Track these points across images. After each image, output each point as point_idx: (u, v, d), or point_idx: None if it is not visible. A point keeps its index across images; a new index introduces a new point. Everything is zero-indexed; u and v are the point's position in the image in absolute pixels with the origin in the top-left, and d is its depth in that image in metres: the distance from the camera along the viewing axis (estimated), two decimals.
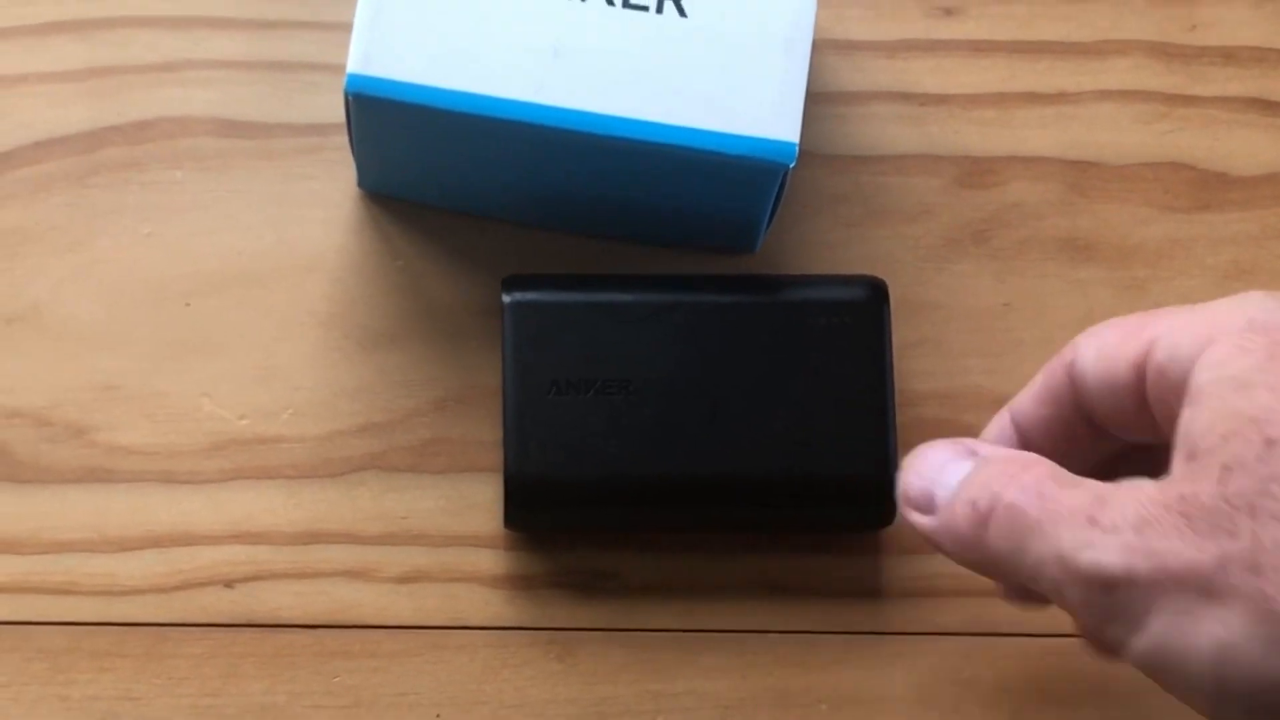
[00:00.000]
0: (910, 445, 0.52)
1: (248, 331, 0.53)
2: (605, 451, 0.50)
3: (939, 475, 0.43)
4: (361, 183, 0.53)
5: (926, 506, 0.44)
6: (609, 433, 0.50)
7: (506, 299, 0.50)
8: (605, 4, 0.49)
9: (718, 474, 0.50)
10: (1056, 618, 0.52)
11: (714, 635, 0.52)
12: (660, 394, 0.50)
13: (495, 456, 0.52)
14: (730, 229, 0.52)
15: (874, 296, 0.51)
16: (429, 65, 0.48)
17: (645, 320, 0.50)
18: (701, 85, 0.48)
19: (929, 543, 0.44)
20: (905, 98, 0.55)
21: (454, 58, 0.48)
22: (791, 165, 0.48)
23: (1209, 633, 0.38)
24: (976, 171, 0.54)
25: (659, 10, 0.49)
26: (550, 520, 0.51)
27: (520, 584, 0.52)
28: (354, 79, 0.48)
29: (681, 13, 0.49)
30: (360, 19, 0.48)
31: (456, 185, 0.52)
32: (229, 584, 0.52)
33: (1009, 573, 0.42)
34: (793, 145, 0.48)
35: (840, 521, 0.51)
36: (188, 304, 0.53)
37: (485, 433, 0.52)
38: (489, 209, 0.53)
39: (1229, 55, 0.55)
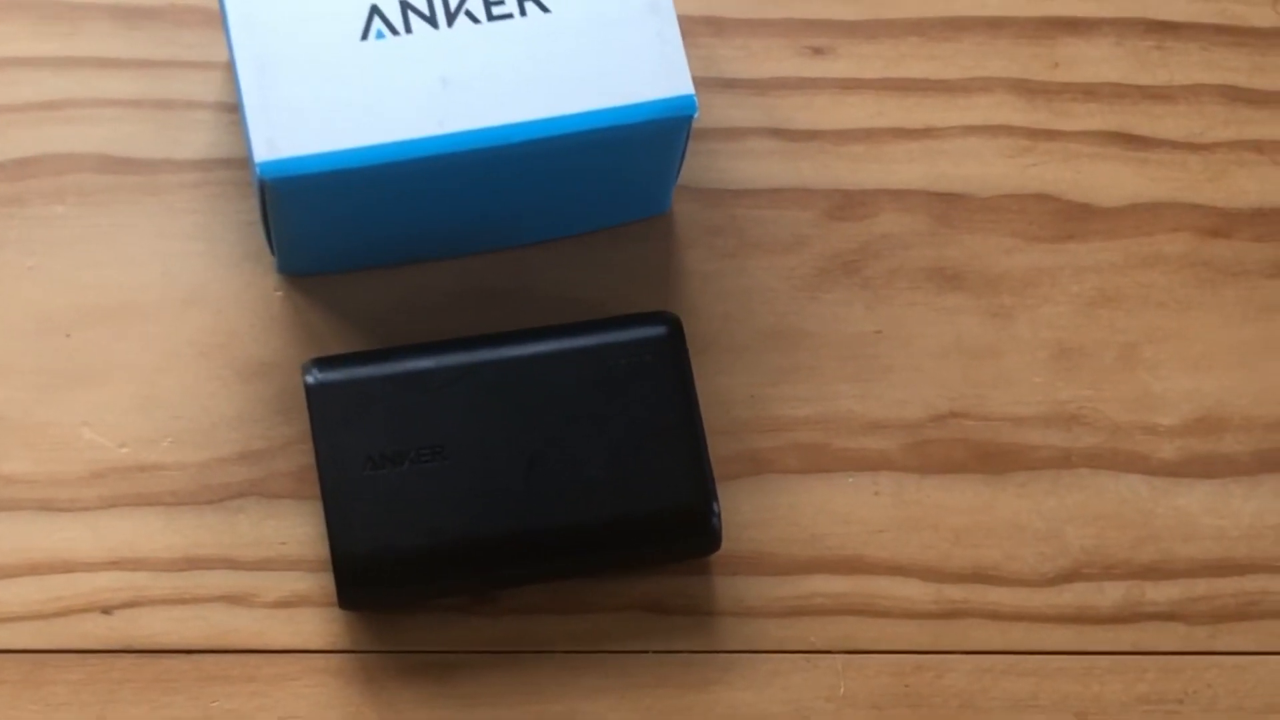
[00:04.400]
0: (787, 470, 0.54)
1: (128, 362, 0.53)
2: (429, 521, 0.50)
3: None
4: (283, 267, 0.54)
5: None
6: (430, 501, 0.50)
7: (309, 381, 0.51)
8: (472, 23, 0.50)
9: (542, 526, 0.50)
10: (929, 636, 0.53)
11: (594, 655, 0.52)
12: (475, 455, 0.51)
13: None
14: (644, 196, 0.54)
15: (670, 331, 0.52)
16: (331, 130, 0.49)
17: (449, 385, 0.51)
18: (587, 68, 0.50)
19: None
20: (777, 133, 0.56)
21: (352, 116, 0.49)
22: (694, 114, 0.50)
23: None
24: (847, 204, 0.56)
25: (523, 13, 0.50)
26: (385, 596, 0.51)
27: (399, 608, 0.52)
28: (266, 166, 0.49)
29: (544, 9, 0.50)
30: (250, 105, 0.49)
31: (382, 241, 0.53)
32: (107, 610, 0.52)
33: None
34: (690, 96, 0.50)
35: (668, 553, 0.52)
36: (68, 335, 0.54)
37: None
38: (416, 253, 0.54)
39: (1090, 91, 0.57)
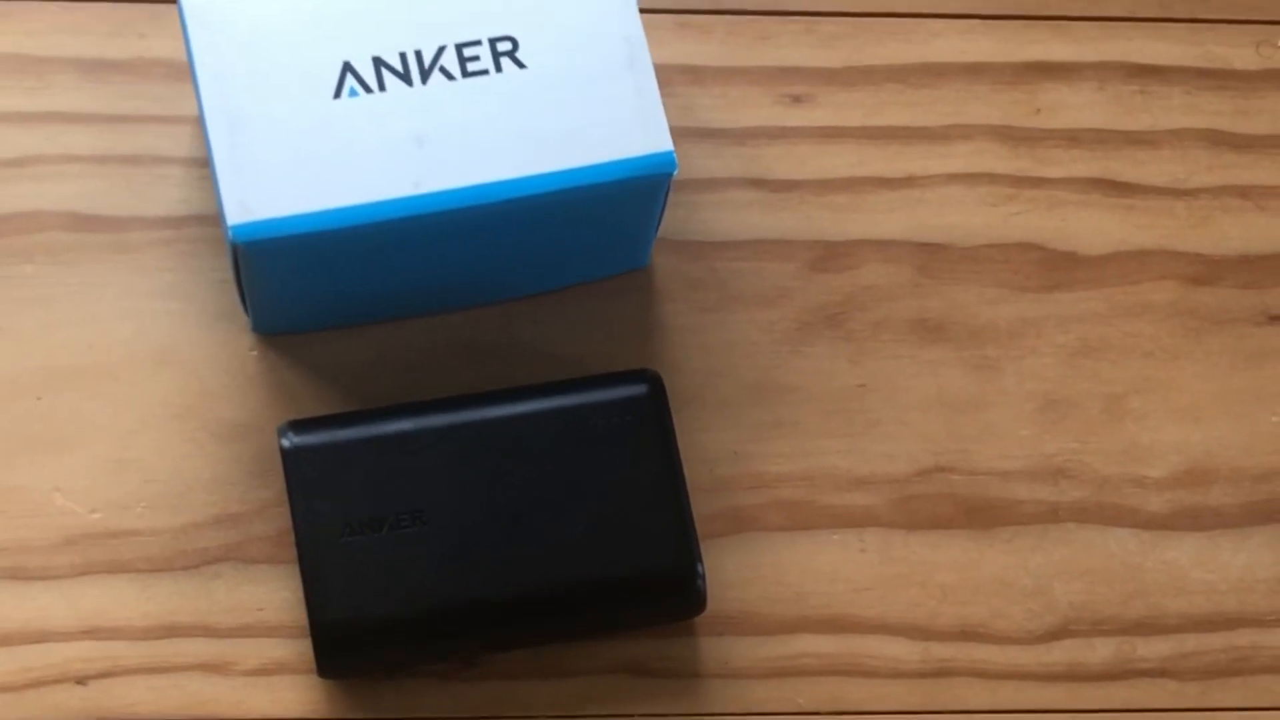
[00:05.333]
0: (771, 527, 0.53)
1: (100, 425, 0.52)
2: (408, 587, 0.49)
3: None
4: (258, 326, 0.53)
5: None
6: (409, 567, 0.49)
7: (285, 445, 0.50)
8: (446, 80, 0.49)
9: (523, 591, 0.50)
10: (917, 696, 0.52)
11: None
12: (454, 519, 0.50)
13: None
14: (623, 251, 0.53)
15: (651, 390, 0.51)
16: (305, 191, 0.48)
17: (428, 447, 0.50)
18: (565, 125, 0.49)
19: None
20: (758, 184, 0.55)
21: (325, 176, 0.48)
22: (674, 172, 0.49)
23: None
24: (829, 255, 0.55)
25: (499, 70, 0.49)
26: (365, 664, 0.50)
27: (381, 673, 0.51)
28: (238, 229, 0.48)
29: (520, 65, 0.49)
30: (221, 165, 0.48)
31: (359, 299, 0.52)
32: (81, 681, 0.51)
33: None
34: (670, 153, 0.49)
35: (652, 616, 0.51)
36: (39, 398, 0.52)
37: None
38: (394, 311, 0.53)
39: (1073, 138, 0.56)
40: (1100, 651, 0.52)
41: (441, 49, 0.49)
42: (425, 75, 0.49)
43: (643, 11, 0.51)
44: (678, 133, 0.55)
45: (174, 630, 0.51)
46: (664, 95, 0.51)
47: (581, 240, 0.52)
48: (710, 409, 0.54)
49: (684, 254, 0.55)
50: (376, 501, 0.50)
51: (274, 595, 0.52)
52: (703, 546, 0.52)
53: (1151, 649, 0.53)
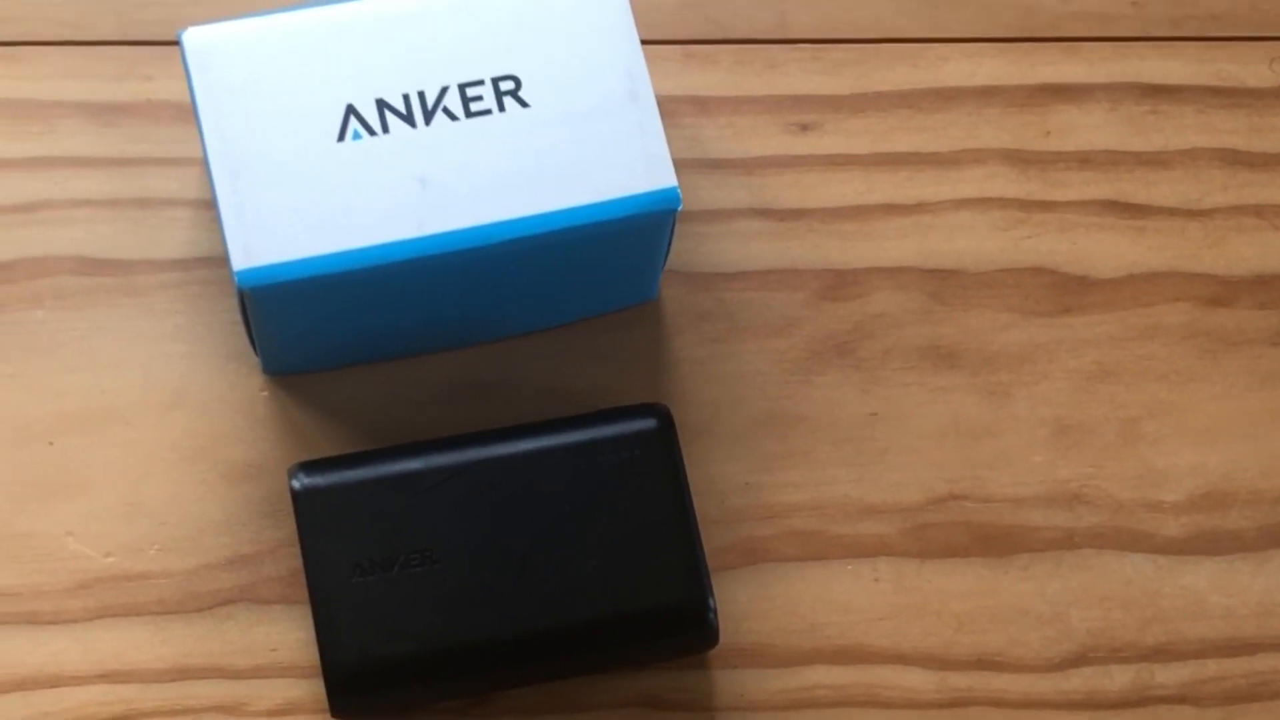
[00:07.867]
0: (784, 558, 0.53)
1: (112, 469, 0.53)
2: (419, 627, 0.49)
3: None
4: (268, 368, 0.53)
5: None
6: (420, 607, 0.49)
7: (295, 486, 0.50)
8: (450, 121, 0.49)
9: (535, 629, 0.49)
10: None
11: None
12: (465, 558, 0.50)
13: None
14: (631, 285, 0.53)
15: (660, 424, 0.51)
16: (309, 235, 0.48)
17: (438, 486, 0.50)
18: (568, 164, 0.49)
19: None
20: (765, 213, 0.55)
21: (330, 219, 0.48)
22: (679, 208, 0.49)
23: None
24: (838, 284, 0.55)
25: (502, 109, 0.49)
26: (378, 704, 0.50)
27: (395, 712, 0.51)
28: (244, 274, 0.48)
29: (523, 104, 0.49)
30: (226, 210, 0.48)
31: (367, 340, 0.52)
32: None
33: None
34: (674, 189, 0.49)
35: (665, 651, 0.51)
36: (51, 443, 0.53)
37: None
38: (403, 350, 0.53)
39: (1084, 159, 0.56)
40: (1118, 679, 0.52)
41: (444, 89, 0.49)
42: (429, 116, 0.49)
43: (648, 43, 0.51)
44: (684, 164, 0.55)
45: (188, 672, 0.51)
46: (671, 126, 0.51)
47: (588, 276, 0.52)
48: (720, 441, 0.53)
49: (692, 285, 0.54)
50: (387, 542, 0.50)
51: (287, 635, 0.52)
52: (715, 579, 0.52)
53: (1171, 675, 0.52)
